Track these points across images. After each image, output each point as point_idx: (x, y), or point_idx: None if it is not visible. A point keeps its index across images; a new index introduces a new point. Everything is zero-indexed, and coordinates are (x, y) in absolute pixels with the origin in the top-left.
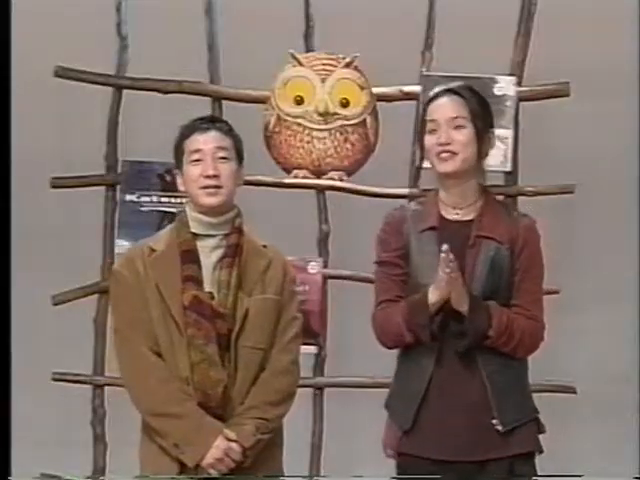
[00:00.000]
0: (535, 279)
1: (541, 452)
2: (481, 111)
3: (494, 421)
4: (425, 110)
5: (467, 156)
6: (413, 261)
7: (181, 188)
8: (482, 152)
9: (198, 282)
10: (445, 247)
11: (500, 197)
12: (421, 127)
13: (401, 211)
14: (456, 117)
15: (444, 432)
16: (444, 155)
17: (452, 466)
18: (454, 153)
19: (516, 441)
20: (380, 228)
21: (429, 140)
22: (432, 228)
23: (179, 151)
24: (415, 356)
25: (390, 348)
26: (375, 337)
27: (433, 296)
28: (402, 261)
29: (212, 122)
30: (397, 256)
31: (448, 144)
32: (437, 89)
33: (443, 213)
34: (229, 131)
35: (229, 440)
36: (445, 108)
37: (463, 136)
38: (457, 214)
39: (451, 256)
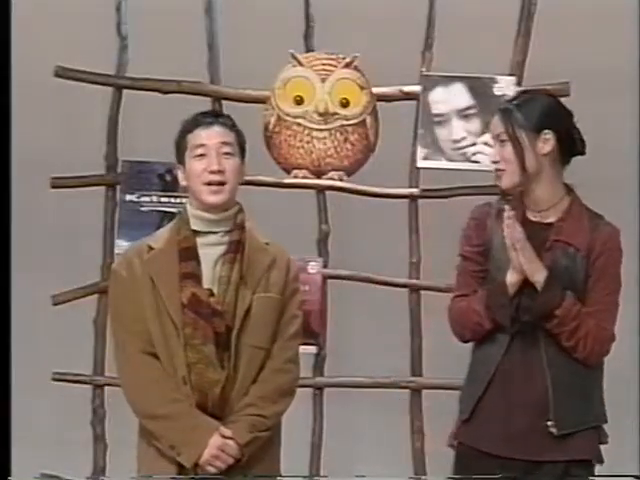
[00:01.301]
0: (606, 289)
1: (601, 462)
2: (524, 122)
3: (549, 423)
4: None
5: (514, 169)
6: (494, 257)
7: (183, 183)
8: (530, 160)
9: (197, 279)
10: (508, 207)
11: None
12: None
13: (487, 207)
14: (498, 134)
15: (499, 427)
16: (498, 173)
17: (506, 462)
18: (502, 170)
19: (573, 447)
20: (465, 222)
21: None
22: None
23: (181, 145)
24: (485, 349)
25: (467, 341)
26: (451, 330)
27: (511, 277)
28: (482, 258)
29: (216, 117)
30: (478, 252)
31: (497, 162)
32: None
33: (527, 212)
34: (232, 126)
35: (224, 437)
36: (492, 127)
37: (505, 152)
38: (535, 217)
39: (512, 213)
